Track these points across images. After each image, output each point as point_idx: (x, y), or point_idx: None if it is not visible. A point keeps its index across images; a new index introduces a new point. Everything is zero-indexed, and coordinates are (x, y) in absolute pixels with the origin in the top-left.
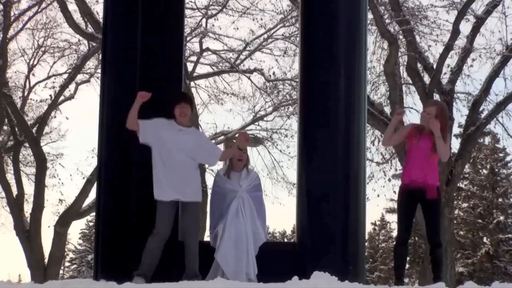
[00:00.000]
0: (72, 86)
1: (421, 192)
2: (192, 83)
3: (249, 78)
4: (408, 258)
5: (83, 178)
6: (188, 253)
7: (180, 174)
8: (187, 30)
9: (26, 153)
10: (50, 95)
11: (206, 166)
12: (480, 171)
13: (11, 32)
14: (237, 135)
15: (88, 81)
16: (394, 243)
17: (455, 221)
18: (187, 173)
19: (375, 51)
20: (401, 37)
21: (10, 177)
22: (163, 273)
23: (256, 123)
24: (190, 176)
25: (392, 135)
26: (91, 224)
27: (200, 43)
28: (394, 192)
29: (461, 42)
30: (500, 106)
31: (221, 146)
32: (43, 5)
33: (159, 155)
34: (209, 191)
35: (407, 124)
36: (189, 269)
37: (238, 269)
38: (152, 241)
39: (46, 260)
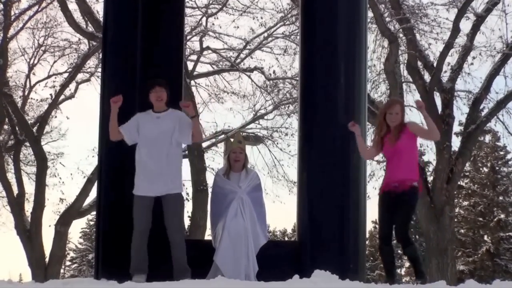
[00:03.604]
0: (72, 85)
1: (395, 190)
2: (192, 82)
3: (249, 76)
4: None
5: (84, 177)
6: (173, 247)
7: (159, 166)
8: (187, 28)
9: (26, 152)
10: (51, 94)
11: (206, 164)
12: (481, 169)
13: (11, 31)
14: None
15: (88, 80)
16: (378, 243)
17: (455, 220)
18: (166, 163)
19: (375, 50)
20: (401, 35)
21: (11, 176)
22: (164, 272)
23: (257, 122)
24: (170, 167)
25: (366, 148)
26: (91, 223)
27: (200, 41)
28: None
29: (461, 40)
30: (500, 104)
31: (221, 145)
32: (43, 4)
33: (139, 149)
34: (209, 190)
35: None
36: (176, 264)
37: (237, 271)
38: (133, 236)
39: (47, 259)
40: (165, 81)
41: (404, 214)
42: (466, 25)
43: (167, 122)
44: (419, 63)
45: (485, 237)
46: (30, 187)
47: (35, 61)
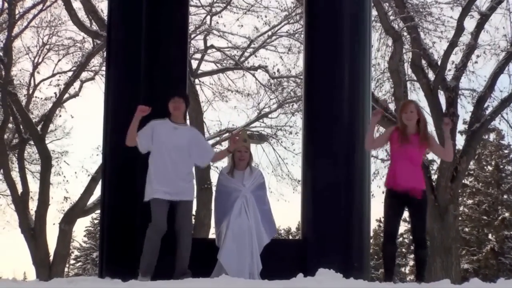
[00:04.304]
0: (77, 84)
1: (407, 195)
2: (196, 81)
3: (253, 75)
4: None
5: (88, 175)
6: (180, 250)
7: (173, 173)
8: (191, 27)
9: (31, 150)
10: (55, 93)
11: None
12: (485, 167)
13: (16, 30)
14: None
15: (92, 78)
16: (382, 241)
17: (460, 218)
18: (180, 171)
19: (379, 48)
20: (405, 33)
21: (15, 174)
22: (165, 272)
23: (261, 120)
24: (183, 175)
25: (374, 138)
26: (96, 221)
27: (205, 40)
28: None
29: (465, 38)
30: (504, 103)
31: (226, 143)
32: (48, 3)
33: (153, 156)
34: (213, 189)
35: (390, 127)
36: (179, 266)
37: (240, 269)
38: (149, 232)
39: (51, 258)
40: (186, 93)
41: (422, 219)
42: (470, 24)
43: (185, 135)
44: (423, 61)
45: (490, 236)
46: (34, 186)
47: (40, 60)
